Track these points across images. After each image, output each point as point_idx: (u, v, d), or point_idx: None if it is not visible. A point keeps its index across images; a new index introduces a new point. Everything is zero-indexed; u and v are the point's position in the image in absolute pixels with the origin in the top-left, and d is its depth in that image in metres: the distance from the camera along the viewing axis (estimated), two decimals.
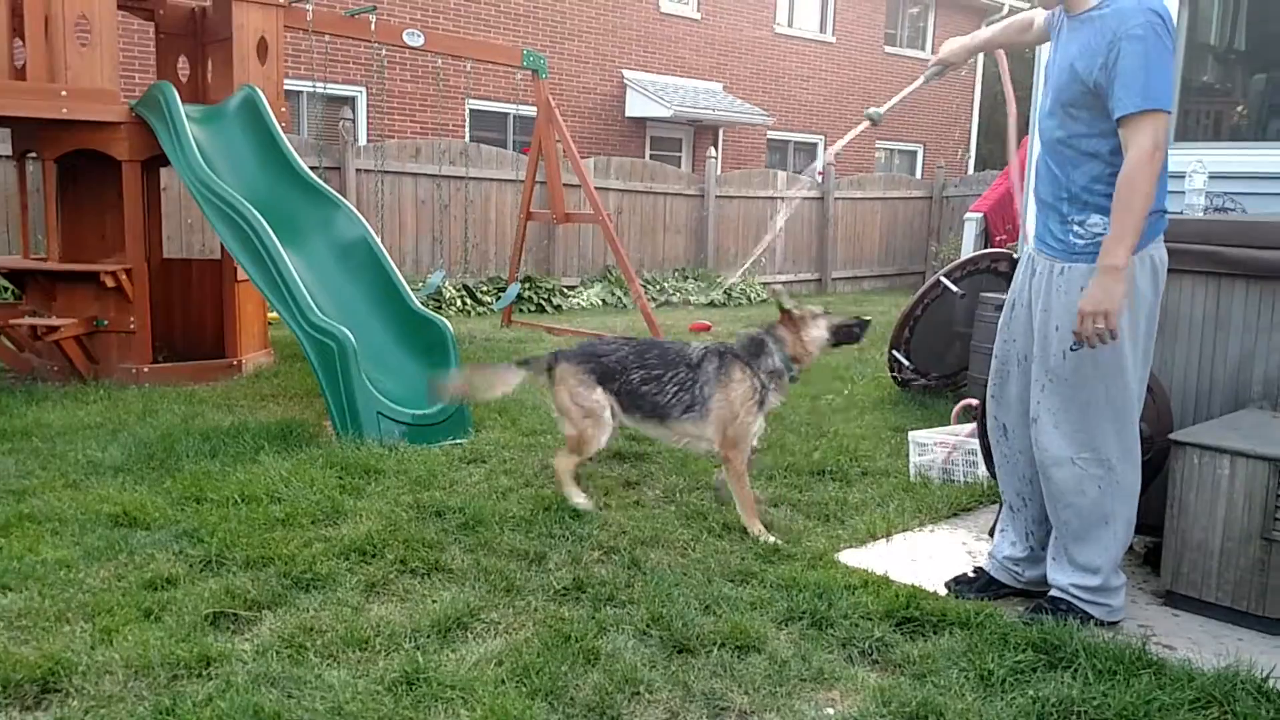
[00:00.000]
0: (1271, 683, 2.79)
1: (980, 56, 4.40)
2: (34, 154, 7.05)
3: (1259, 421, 3.52)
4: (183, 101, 6.40)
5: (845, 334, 4.16)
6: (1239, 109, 6.61)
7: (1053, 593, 3.35)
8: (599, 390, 4.16)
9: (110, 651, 2.84)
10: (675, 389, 4.09)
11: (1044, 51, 4.14)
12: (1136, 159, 2.91)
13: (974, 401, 5.05)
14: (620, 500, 4.43)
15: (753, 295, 14.26)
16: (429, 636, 3.03)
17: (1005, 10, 20.19)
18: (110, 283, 6.50)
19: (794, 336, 4.10)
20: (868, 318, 4.23)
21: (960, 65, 3.92)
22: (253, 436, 5.11)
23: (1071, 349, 3.13)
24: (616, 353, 4.22)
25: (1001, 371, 3.47)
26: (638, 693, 2.74)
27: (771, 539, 3.94)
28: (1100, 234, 3.06)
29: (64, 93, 6.29)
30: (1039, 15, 3.48)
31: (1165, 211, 3.18)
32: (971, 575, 3.62)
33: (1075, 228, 3.15)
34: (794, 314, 4.12)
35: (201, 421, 5.55)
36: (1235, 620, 3.29)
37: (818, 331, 4.11)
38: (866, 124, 4.09)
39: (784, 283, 15.51)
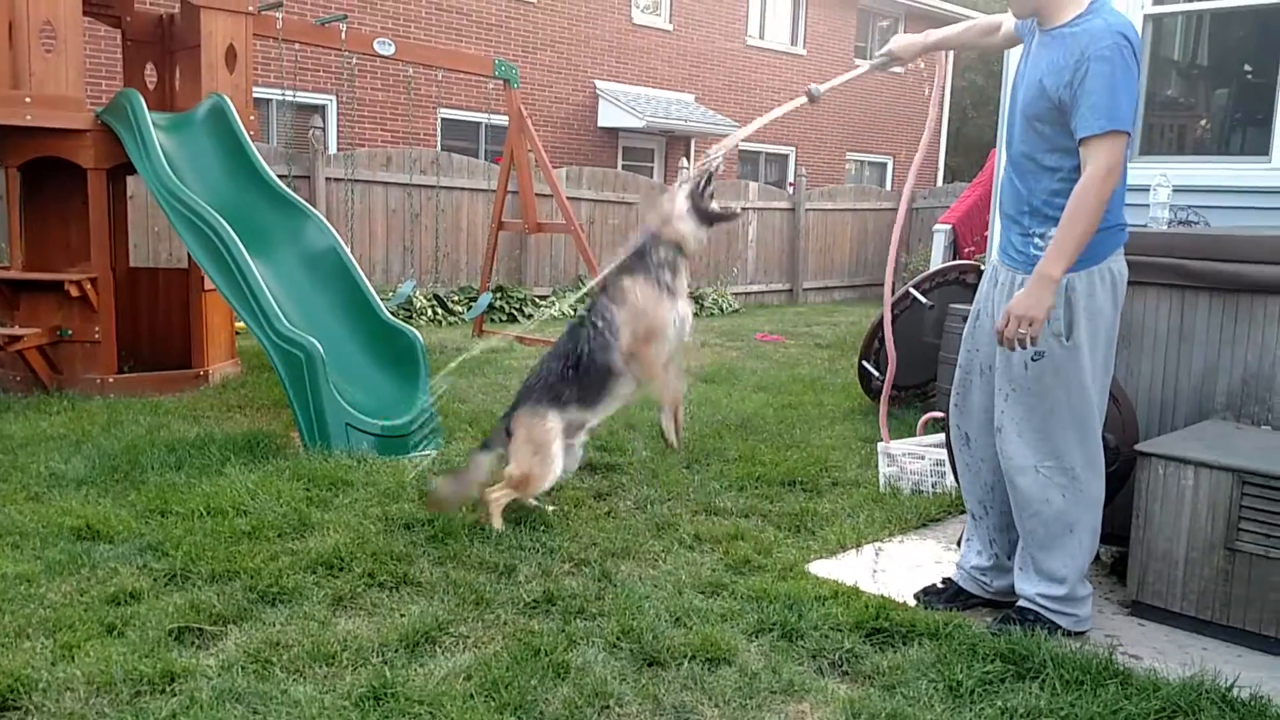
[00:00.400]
0: (1236, 692, 2.82)
1: (949, 67, 4.42)
2: None
3: (1222, 432, 3.57)
4: (150, 109, 6.34)
5: (702, 195, 4.19)
6: (1202, 123, 6.71)
7: (1020, 603, 3.37)
8: (550, 415, 4.09)
9: (72, 668, 2.79)
10: (595, 335, 4.09)
11: (1011, 65, 4.18)
12: (1091, 178, 2.95)
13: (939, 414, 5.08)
14: (591, 512, 4.41)
15: (724, 305, 14.28)
16: (397, 651, 3.00)
17: None
18: (75, 292, 6.41)
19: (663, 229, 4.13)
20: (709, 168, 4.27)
21: (907, 61, 3.94)
22: (219, 448, 5.05)
23: (1033, 359, 3.16)
24: (539, 372, 4.21)
25: (965, 381, 3.50)
26: (608, 706, 2.73)
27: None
28: None
29: (28, 99, 6.20)
30: (1009, 21, 3.48)
31: (1125, 225, 3.22)
32: (940, 586, 3.63)
33: (1036, 240, 3.18)
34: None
35: (167, 433, 5.48)
36: (1200, 630, 3.32)
37: (679, 216, 4.13)
38: (804, 100, 4.14)
39: (755, 292, 15.58)
